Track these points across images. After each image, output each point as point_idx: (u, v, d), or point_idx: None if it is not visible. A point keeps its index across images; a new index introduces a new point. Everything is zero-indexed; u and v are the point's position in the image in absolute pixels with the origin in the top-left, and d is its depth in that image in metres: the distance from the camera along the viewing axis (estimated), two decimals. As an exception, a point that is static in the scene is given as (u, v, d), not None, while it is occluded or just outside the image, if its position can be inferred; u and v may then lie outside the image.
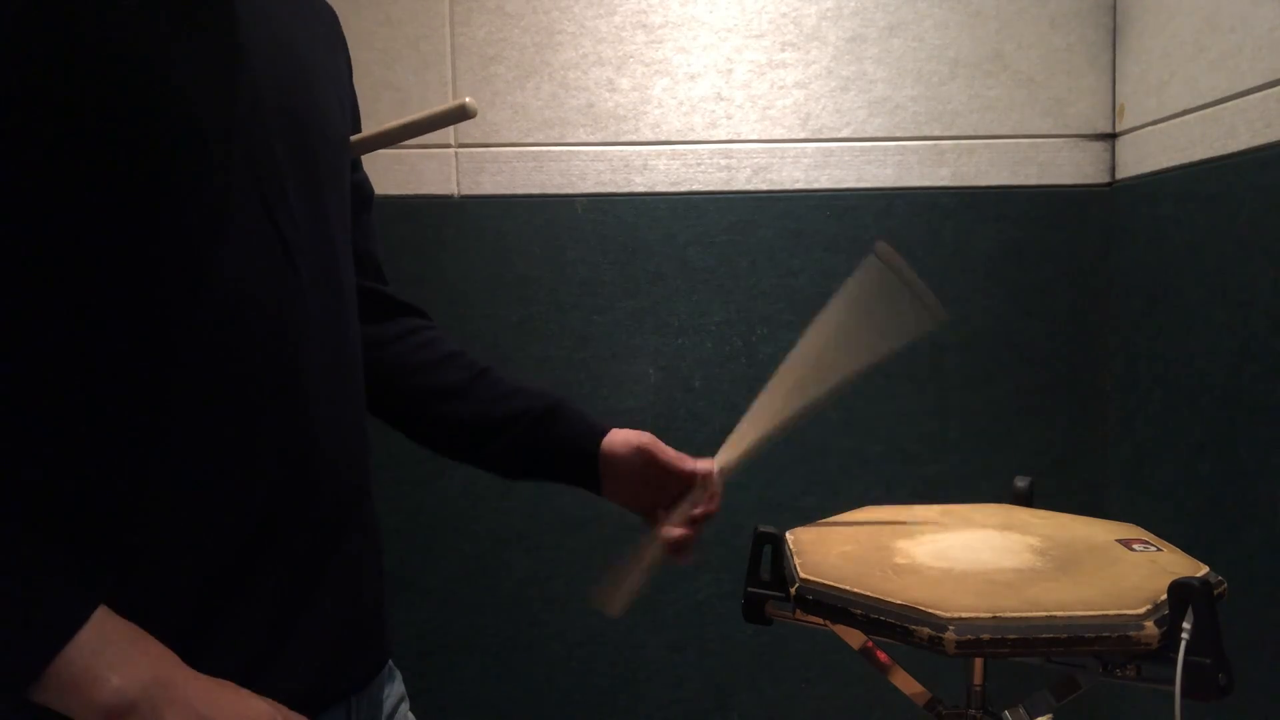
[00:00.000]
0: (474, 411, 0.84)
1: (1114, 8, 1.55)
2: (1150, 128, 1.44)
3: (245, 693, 0.57)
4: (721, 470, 0.89)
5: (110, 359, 0.54)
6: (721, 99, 1.58)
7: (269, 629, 0.61)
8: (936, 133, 1.57)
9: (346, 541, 0.67)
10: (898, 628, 0.72)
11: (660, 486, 0.87)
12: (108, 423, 0.55)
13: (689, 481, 0.87)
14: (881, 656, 0.95)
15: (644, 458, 0.86)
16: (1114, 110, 1.56)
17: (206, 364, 0.57)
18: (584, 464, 0.86)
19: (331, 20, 0.77)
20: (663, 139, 1.59)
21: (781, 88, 1.58)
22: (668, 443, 0.89)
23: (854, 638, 0.94)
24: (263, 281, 0.59)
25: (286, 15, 0.65)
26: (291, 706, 0.59)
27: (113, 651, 0.52)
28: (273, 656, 0.61)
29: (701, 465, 0.88)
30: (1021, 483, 1.09)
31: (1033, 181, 1.57)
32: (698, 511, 0.86)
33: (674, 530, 0.85)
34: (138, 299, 0.55)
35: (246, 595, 0.60)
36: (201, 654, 0.57)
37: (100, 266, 0.53)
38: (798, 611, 0.84)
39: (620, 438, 0.86)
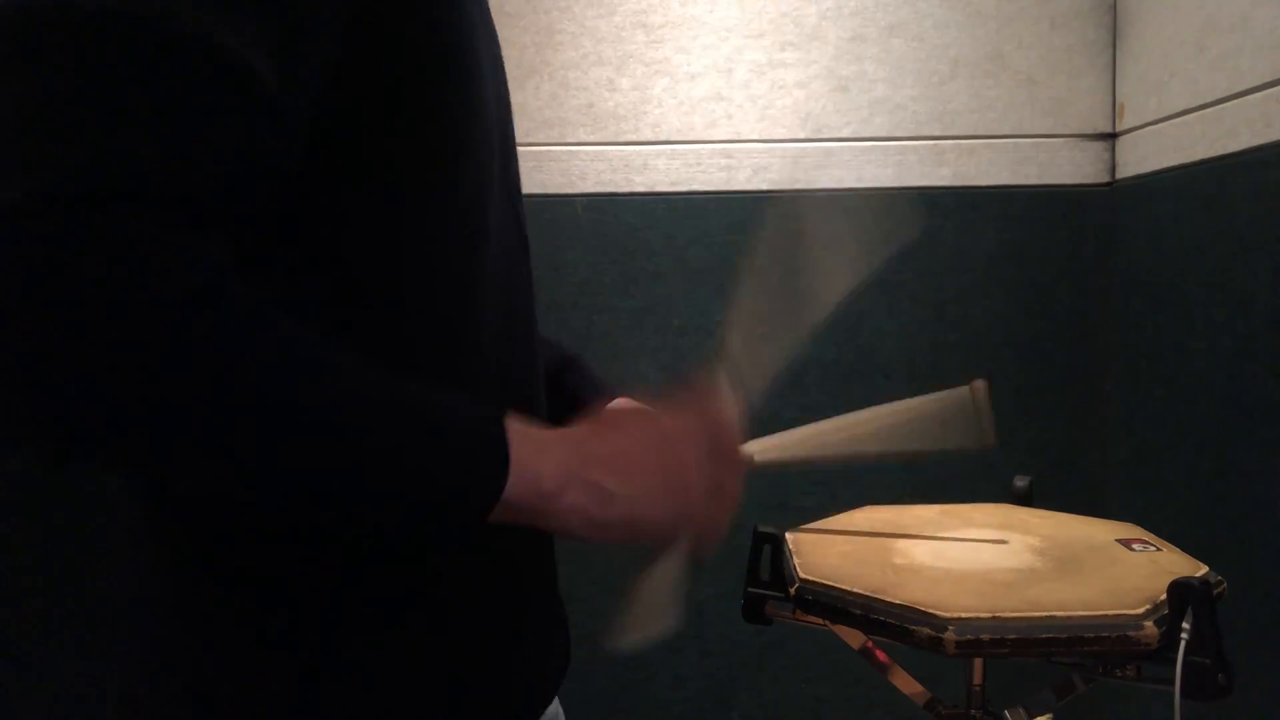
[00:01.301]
0: None
1: (1114, 8, 1.55)
2: (1150, 128, 1.44)
3: (638, 419, 0.60)
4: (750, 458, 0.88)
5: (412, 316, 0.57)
6: (721, 99, 1.58)
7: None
8: (936, 133, 1.57)
9: None
10: (897, 628, 0.73)
11: None
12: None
13: None
14: (881, 656, 0.95)
15: None
16: (1114, 110, 1.56)
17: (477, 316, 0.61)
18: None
19: None
20: (663, 139, 1.59)
21: (781, 88, 1.58)
22: None
23: (854, 638, 0.94)
24: (508, 255, 0.64)
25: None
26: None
27: (528, 446, 0.53)
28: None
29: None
30: (1021, 483, 1.09)
31: (1033, 181, 1.57)
32: None
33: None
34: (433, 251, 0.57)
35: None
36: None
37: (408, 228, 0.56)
38: (797, 611, 0.84)
39: (623, 404, 0.89)
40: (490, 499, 0.51)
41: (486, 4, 0.65)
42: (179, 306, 0.42)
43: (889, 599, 0.75)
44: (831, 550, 0.89)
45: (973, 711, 0.90)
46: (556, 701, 0.77)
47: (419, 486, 0.50)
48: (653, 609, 0.64)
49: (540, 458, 0.53)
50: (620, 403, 0.89)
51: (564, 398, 0.88)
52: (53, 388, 0.40)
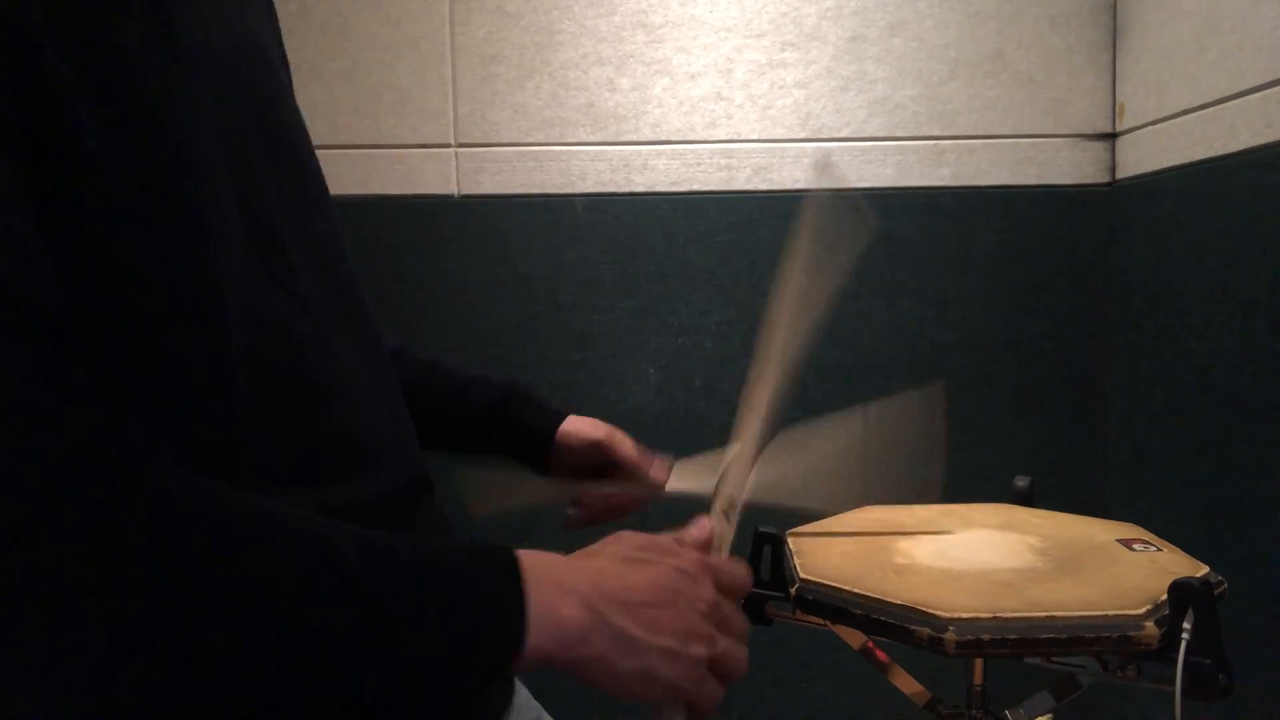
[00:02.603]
0: (430, 410, 0.81)
1: (1114, 8, 1.55)
2: (1150, 128, 1.44)
3: (650, 554, 0.56)
4: (677, 489, 0.87)
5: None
6: (721, 99, 1.58)
7: None
8: (936, 133, 1.57)
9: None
10: (898, 628, 0.72)
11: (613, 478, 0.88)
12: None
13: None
14: (881, 656, 0.95)
15: (597, 451, 0.87)
16: (1114, 110, 1.56)
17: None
18: (536, 450, 0.87)
19: None
20: (663, 139, 1.59)
21: (781, 87, 1.58)
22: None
23: (854, 638, 0.94)
24: (267, 300, 0.55)
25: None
26: None
27: (548, 588, 0.50)
28: None
29: (656, 474, 0.88)
30: (1021, 483, 1.09)
31: (1033, 181, 1.57)
32: (615, 499, 0.88)
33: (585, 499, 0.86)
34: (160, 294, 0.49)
35: None
36: None
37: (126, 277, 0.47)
38: (798, 611, 0.84)
39: (575, 428, 0.87)
40: (509, 654, 0.49)
41: None
42: (151, 491, 0.41)
43: (889, 599, 0.75)
44: (831, 550, 0.89)
45: (973, 711, 0.90)
46: (526, 693, 0.76)
47: (440, 648, 0.47)
48: None
49: (562, 601, 0.50)
50: (569, 426, 0.87)
51: (511, 427, 0.87)
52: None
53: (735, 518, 0.69)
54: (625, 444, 0.89)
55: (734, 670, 0.57)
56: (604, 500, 0.89)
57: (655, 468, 0.89)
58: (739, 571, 0.61)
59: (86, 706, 0.41)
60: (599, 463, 0.88)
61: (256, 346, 0.53)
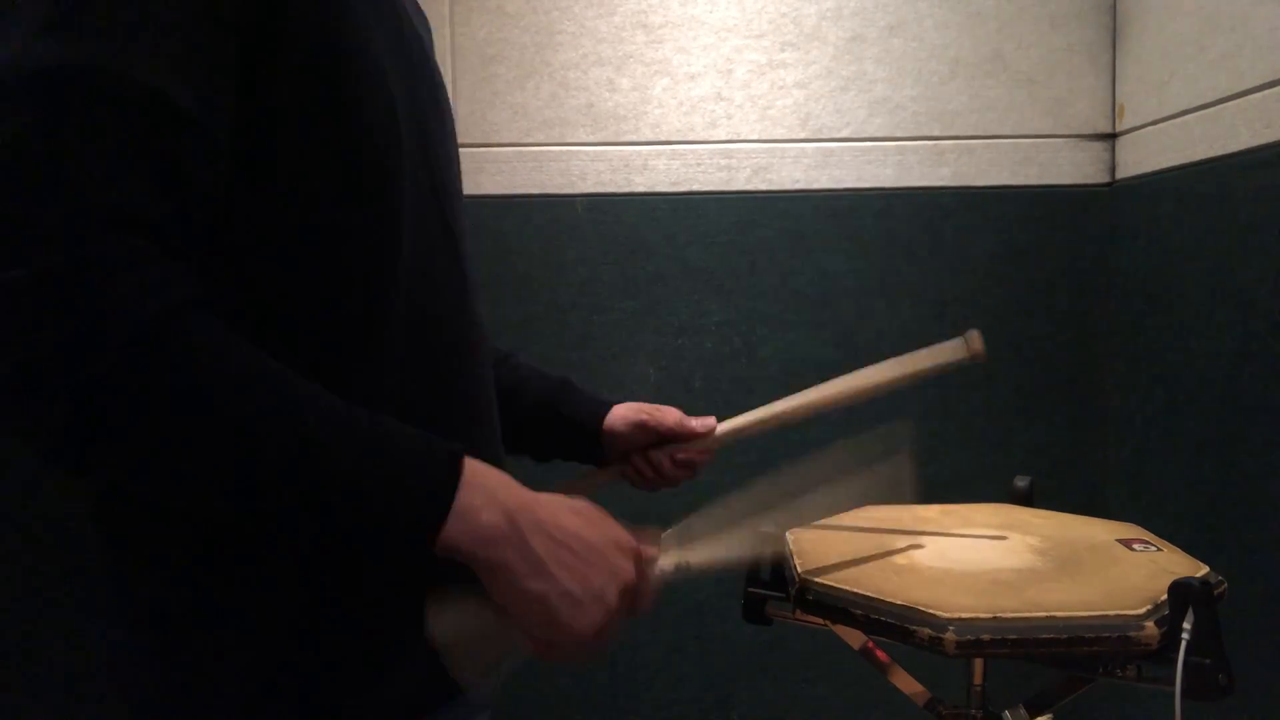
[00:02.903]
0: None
1: (1114, 8, 1.55)
2: (1150, 128, 1.44)
3: (593, 517, 0.61)
4: (723, 432, 0.93)
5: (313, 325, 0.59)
6: (721, 99, 1.58)
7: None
8: (936, 133, 1.57)
9: None
10: (898, 628, 0.72)
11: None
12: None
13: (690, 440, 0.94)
14: (881, 656, 0.95)
15: (644, 432, 0.93)
16: (1114, 110, 1.56)
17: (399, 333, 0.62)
18: (587, 443, 0.93)
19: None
20: (663, 139, 1.59)
21: (781, 88, 1.58)
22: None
23: (854, 638, 0.94)
24: (434, 260, 0.65)
25: (412, 9, 0.71)
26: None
27: (478, 489, 0.55)
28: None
29: (699, 423, 0.94)
30: (1021, 483, 1.09)
31: (1033, 181, 1.57)
32: (680, 455, 0.93)
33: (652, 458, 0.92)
34: (341, 267, 0.59)
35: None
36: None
37: (315, 239, 0.58)
38: (798, 611, 0.84)
39: (619, 415, 0.93)
40: (424, 533, 0.53)
41: (405, 14, 0.66)
42: (151, 326, 0.48)
43: (889, 599, 0.75)
44: (832, 550, 0.89)
45: (973, 711, 0.90)
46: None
47: (365, 505, 0.52)
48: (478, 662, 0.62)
49: (486, 506, 0.55)
50: (614, 414, 0.92)
51: (563, 423, 0.92)
52: (45, 397, 0.47)
53: (679, 572, 0.71)
54: (669, 416, 0.94)
55: (594, 650, 0.61)
56: (654, 468, 0.94)
57: (693, 422, 0.95)
58: (649, 592, 0.64)
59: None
60: (648, 440, 0.94)
61: (418, 300, 0.63)
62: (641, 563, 0.62)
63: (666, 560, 0.69)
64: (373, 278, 0.60)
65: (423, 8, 0.77)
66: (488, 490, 0.56)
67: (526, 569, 0.56)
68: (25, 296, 0.46)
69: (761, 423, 0.96)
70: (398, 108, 0.60)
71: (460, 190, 0.73)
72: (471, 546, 0.55)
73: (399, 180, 0.60)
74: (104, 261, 0.47)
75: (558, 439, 0.93)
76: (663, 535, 0.73)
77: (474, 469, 0.56)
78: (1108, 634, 0.69)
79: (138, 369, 0.47)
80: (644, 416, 0.93)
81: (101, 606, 0.62)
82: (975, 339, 0.95)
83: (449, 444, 0.56)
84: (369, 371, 0.60)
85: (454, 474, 0.55)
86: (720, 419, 0.97)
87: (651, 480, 0.95)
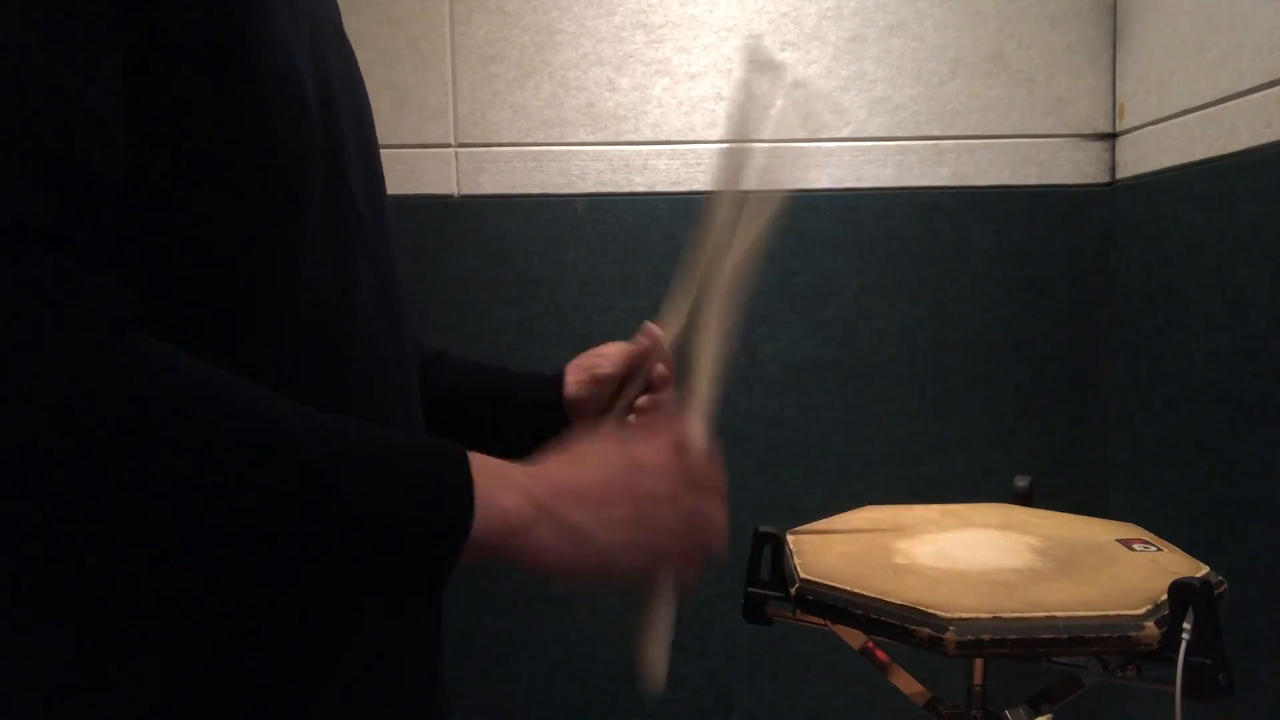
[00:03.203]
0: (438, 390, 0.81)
1: (1114, 8, 1.55)
2: (1150, 128, 1.44)
3: (602, 450, 0.56)
4: (670, 332, 0.86)
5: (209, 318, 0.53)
6: (721, 99, 1.58)
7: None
8: (936, 133, 1.57)
9: None
10: (898, 628, 0.72)
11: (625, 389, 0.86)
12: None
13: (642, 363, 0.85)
14: (881, 656, 0.95)
15: (603, 385, 0.85)
16: (1114, 110, 1.56)
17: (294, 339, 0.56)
18: (556, 423, 0.85)
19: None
20: (663, 139, 1.59)
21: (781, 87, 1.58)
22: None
23: (854, 638, 0.94)
24: (337, 257, 0.58)
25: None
26: None
27: (489, 476, 0.51)
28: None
29: (642, 341, 0.86)
30: (1021, 483, 1.09)
31: (1033, 181, 1.57)
32: (652, 394, 0.85)
33: (638, 404, 0.84)
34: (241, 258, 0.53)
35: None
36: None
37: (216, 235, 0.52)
38: (798, 611, 0.84)
39: (572, 383, 0.85)
40: (457, 541, 0.48)
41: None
42: (95, 353, 0.41)
43: (890, 599, 0.75)
44: (832, 550, 0.89)
45: (973, 711, 0.90)
46: None
47: (383, 530, 0.47)
48: (655, 648, 0.60)
49: (504, 492, 0.51)
50: (567, 380, 0.85)
51: (527, 412, 0.85)
52: None
53: (710, 404, 0.67)
54: (612, 358, 0.86)
55: (713, 538, 0.58)
56: (636, 389, 0.87)
57: (634, 346, 0.87)
58: (710, 466, 0.60)
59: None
60: (611, 389, 0.86)
61: (321, 282, 0.56)
62: (673, 456, 0.58)
63: (692, 417, 0.66)
64: (274, 264, 0.54)
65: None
66: (499, 475, 0.51)
67: (568, 543, 0.52)
68: None
69: (693, 300, 0.85)
70: (305, 84, 0.55)
71: (382, 194, 0.68)
72: (503, 538, 0.50)
73: (305, 172, 0.55)
74: (21, 284, 0.40)
75: (527, 429, 0.85)
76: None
77: (476, 459, 0.51)
78: (1108, 634, 0.69)
79: (91, 407, 0.40)
80: (592, 374, 0.85)
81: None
82: None
83: (444, 441, 0.52)
84: (270, 361, 0.54)
85: (464, 468, 0.50)
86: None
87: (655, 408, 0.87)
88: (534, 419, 0.85)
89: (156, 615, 0.51)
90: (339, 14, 0.70)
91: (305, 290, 0.55)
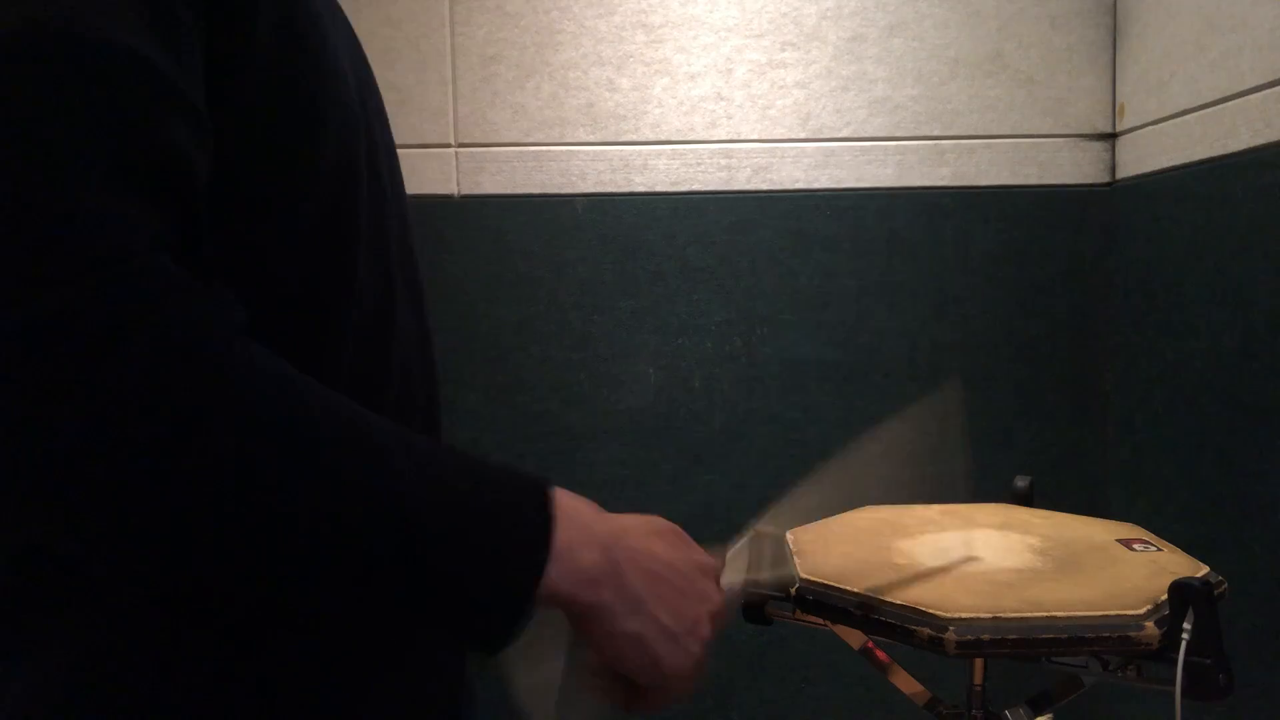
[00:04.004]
0: None
1: (1114, 8, 1.55)
2: (1150, 128, 1.44)
3: (677, 540, 0.56)
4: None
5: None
6: (721, 99, 1.58)
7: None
8: (936, 133, 1.57)
9: None
10: (898, 628, 0.72)
11: None
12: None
13: None
14: (881, 656, 0.95)
15: None
16: (1114, 110, 1.56)
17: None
18: None
19: None
20: (663, 139, 1.59)
21: (781, 87, 1.58)
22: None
23: (854, 638, 0.94)
24: (380, 258, 0.58)
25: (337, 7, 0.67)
26: None
27: (573, 523, 0.50)
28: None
29: None
30: (1021, 483, 1.09)
31: (1033, 181, 1.57)
32: None
33: None
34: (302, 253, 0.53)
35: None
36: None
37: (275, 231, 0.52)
38: (798, 611, 0.84)
39: None
40: (530, 581, 0.47)
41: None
42: (216, 371, 0.41)
43: (890, 599, 0.75)
44: (832, 550, 0.89)
45: (973, 711, 0.90)
46: None
47: (457, 558, 0.46)
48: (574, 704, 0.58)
49: (584, 543, 0.50)
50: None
51: None
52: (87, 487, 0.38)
53: (748, 589, 0.67)
54: None
55: (690, 686, 0.56)
56: None
57: None
58: (726, 614, 0.60)
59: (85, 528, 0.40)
60: None
61: (372, 283, 0.56)
62: (719, 580, 0.58)
63: (733, 577, 0.65)
64: (333, 277, 0.54)
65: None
66: (582, 523, 0.50)
67: (625, 609, 0.50)
68: (23, 367, 0.37)
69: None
70: (351, 87, 0.55)
71: (402, 191, 0.69)
72: (571, 590, 0.49)
73: (358, 181, 0.55)
74: (141, 294, 0.39)
75: None
76: (728, 553, 0.69)
77: (562, 500, 0.50)
78: (1108, 634, 0.69)
79: (219, 419, 0.39)
80: None
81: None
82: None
83: (531, 473, 0.50)
84: (331, 361, 0.54)
85: (547, 510, 0.48)
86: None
87: None
88: None
89: (203, 620, 0.50)
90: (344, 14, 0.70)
91: (360, 292, 0.55)
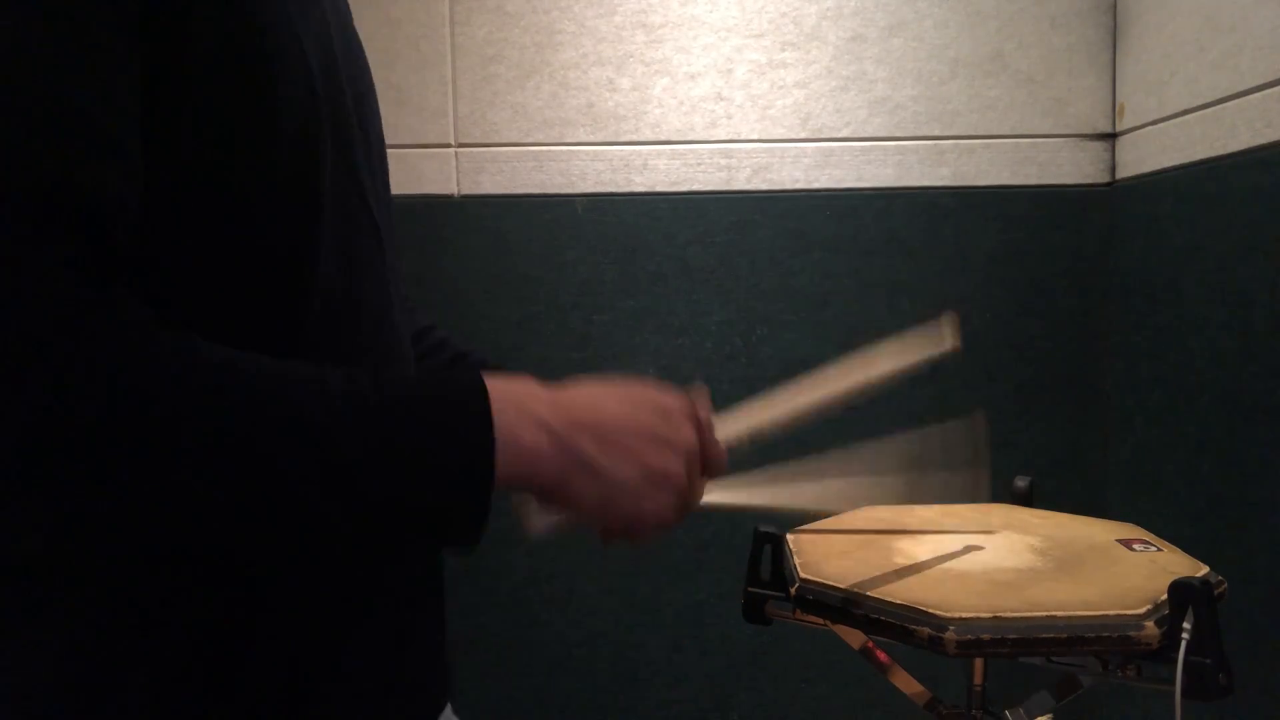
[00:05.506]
0: None
1: (1114, 8, 1.55)
2: (1150, 128, 1.44)
3: (635, 395, 0.57)
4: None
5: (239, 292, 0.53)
6: (721, 99, 1.58)
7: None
8: (936, 133, 1.57)
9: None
10: (898, 628, 0.72)
11: None
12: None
13: None
14: (881, 656, 0.95)
15: None
16: (1114, 110, 1.56)
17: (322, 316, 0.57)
18: None
19: None
20: (663, 139, 1.59)
21: (781, 87, 1.58)
22: None
23: (854, 638, 0.93)
24: (347, 248, 0.59)
25: None
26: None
27: (510, 408, 0.51)
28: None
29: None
30: (1021, 483, 1.09)
31: (1033, 181, 1.57)
32: None
33: None
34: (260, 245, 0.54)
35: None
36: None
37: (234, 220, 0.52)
38: (798, 611, 0.84)
39: None
40: (482, 490, 0.49)
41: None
42: (133, 340, 0.43)
43: (889, 599, 0.75)
44: (832, 550, 0.89)
45: (973, 711, 0.90)
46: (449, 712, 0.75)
47: (408, 474, 0.48)
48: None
49: (523, 425, 0.51)
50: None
51: None
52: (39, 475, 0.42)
53: (754, 438, 0.69)
54: None
55: (681, 513, 0.59)
56: None
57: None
58: (719, 450, 0.62)
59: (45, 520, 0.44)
60: None
61: (334, 274, 0.57)
62: (701, 423, 0.59)
63: (737, 427, 0.65)
64: (292, 262, 0.54)
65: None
66: (519, 406, 0.52)
67: (579, 476, 0.53)
68: None
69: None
70: (315, 77, 0.55)
71: (384, 174, 0.69)
72: (518, 472, 0.51)
73: (318, 161, 0.55)
74: (48, 314, 0.41)
75: None
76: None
77: (496, 387, 0.51)
78: (1108, 634, 0.69)
79: (138, 399, 0.42)
80: None
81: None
82: (949, 327, 0.91)
83: (464, 380, 0.52)
84: (290, 347, 0.54)
85: (484, 402, 0.50)
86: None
87: None
88: None
89: (171, 603, 0.51)
90: (348, 7, 0.70)
91: (320, 281, 0.55)
